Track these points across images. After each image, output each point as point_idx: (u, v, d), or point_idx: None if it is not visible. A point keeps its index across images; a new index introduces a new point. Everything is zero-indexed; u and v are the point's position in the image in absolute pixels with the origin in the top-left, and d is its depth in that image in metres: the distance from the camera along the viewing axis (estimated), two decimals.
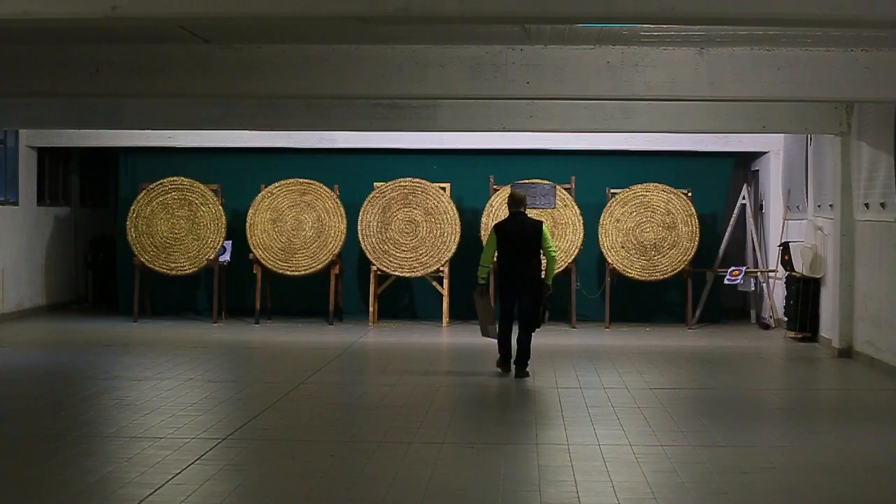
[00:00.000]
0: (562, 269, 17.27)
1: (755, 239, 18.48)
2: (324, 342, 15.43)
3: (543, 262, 12.32)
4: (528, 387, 11.50)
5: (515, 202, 12.36)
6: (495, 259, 12.64)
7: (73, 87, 11.78)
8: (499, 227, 12.33)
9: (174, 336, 16.02)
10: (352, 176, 18.42)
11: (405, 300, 18.75)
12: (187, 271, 17.79)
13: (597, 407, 10.30)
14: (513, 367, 12.27)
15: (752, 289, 18.28)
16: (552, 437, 8.96)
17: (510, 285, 12.21)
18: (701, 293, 17.88)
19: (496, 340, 12.41)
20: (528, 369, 12.21)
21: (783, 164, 17.85)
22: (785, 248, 16.46)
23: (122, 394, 10.88)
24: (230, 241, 18.01)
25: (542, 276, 12.27)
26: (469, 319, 17.97)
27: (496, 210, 17.53)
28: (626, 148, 18.06)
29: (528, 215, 12.56)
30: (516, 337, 12.21)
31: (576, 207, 17.68)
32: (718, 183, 18.53)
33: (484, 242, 13.78)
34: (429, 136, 17.51)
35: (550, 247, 12.26)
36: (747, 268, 18.28)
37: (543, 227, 12.28)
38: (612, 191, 17.83)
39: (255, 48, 11.35)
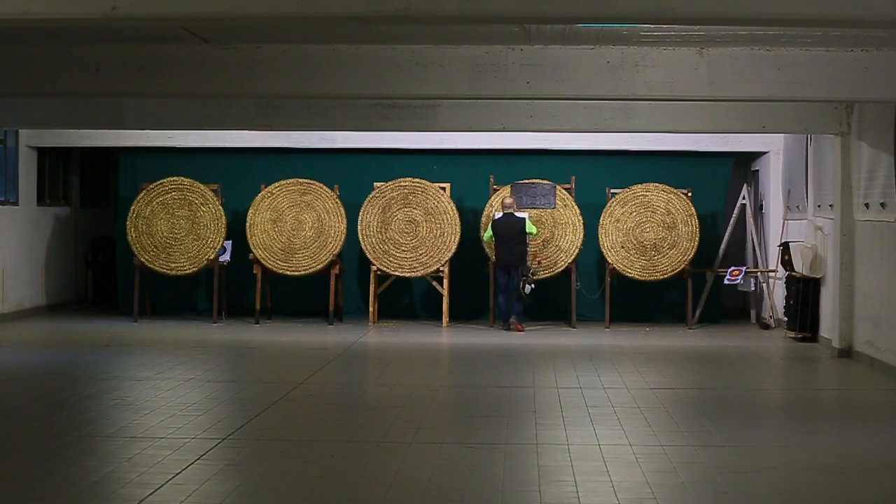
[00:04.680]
0: (562, 268, 17.50)
1: (755, 239, 18.48)
2: (324, 342, 15.43)
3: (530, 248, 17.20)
4: (528, 387, 11.51)
5: (506, 206, 17.11)
6: (492, 245, 17.16)
7: (73, 87, 11.78)
8: (494, 223, 17.12)
9: (174, 336, 16.02)
10: (352, 176, 18.42)
11: (405, 300, 18.75)
12: (187, 271, 17.78)
13: (597, 407, 10.30)
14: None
15: (752, 289, 18.28)
16: (552, 437, 8.96)
17: (502, 266, 16.98)
18: (701, 293, 17.88)
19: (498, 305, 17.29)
20: (512, 320, 16.96)
21: (783, 164, 17.85)
22: (785, 248, 16.46)
23: (122, 394, 10.88)
24: (230, 241, 18.00)
25: (526, 260, 16.94)
26: (470, 319, 18.02)
27: (496, 210, 17.56)
28: (626, 148, 18.06)
29: (517, 215, 17.03)
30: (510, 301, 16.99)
31: (576, 207, 17.68)
32: (718, 183, 18.52)
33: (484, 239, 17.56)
34: (429, 136, 17.51)
35: (531, 230, 17.08)
36: (747, 268, 18.28)
37: (526, 221, 17.01)
38: (612, 191, 17.82)
39: (255, 48, 11.35)
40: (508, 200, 17.11)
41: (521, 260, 16.88)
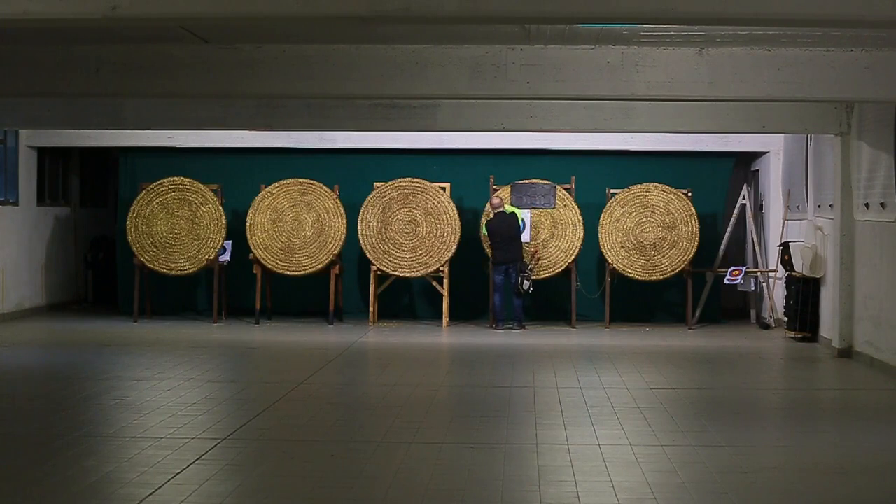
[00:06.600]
0: (540, 265, 17.57)
1: (755, 239, 18.48)
2: (324, 342, 15.43)
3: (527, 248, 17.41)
4: (528, 387, 11.51)
5: (495, 207, 17.25)
6: (489, 246, 17.33)
7: (73, 87, 11.77)
8: (488, 223, 17.28)
9: (174, 336, 16.02)
10: (352, 176, 18.41)
11: (405, 300, 18.75)
12: (187, 271, 17.78)
13: (597, 407, 10.30)
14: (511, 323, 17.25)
15: (752, 289, 18.28)
16: (552, 437, 8.96)
17: (499, 263, 17.05)
18: (701, 293, 17.88)
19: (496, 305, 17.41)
20: (518, 324, 17.11)
21: (783, 164, 17.85)
22: (785, 248, 16.46)
23: (122, 394, 10.88)
24: (230, 241, 18.00)
25: (522, 257, 17.11)
26: (470, 319, 18.02)
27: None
28: (626, 148, 18.06)
29: (507, 212, 17.18)
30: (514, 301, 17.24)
31: (576, 207, 17.68)
32: (718, 183, 18.52)
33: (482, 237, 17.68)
34: (429, 136, 17.51)
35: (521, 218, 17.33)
36: (747, 268, 18.28)
37: (516, 215, 17.19)
38: (612, 191, 17.82)
39: (255, 48, 11.35)
40: (496, 201, 17.24)
41: (518, 257, 17.01)
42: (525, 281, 16.89)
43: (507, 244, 16.93)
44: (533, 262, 17.32)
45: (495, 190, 17.80)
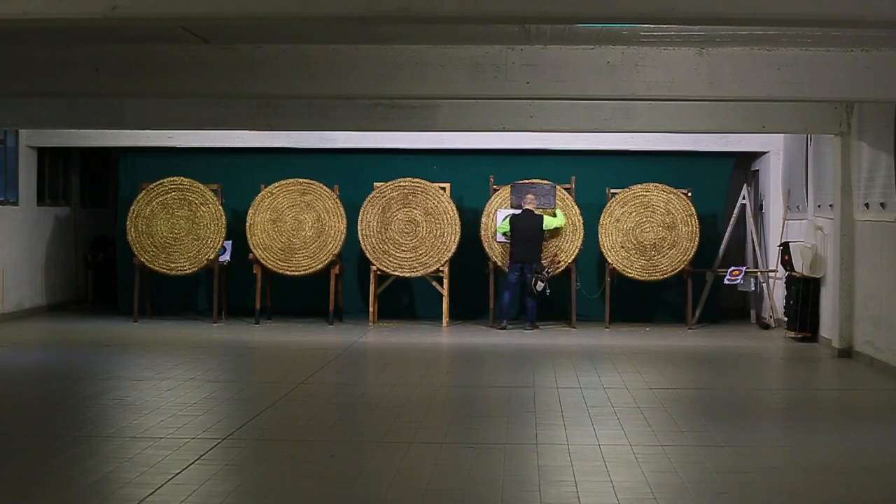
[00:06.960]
0: (562, 267, 17.49)
1: (755, 239, 18.48)
2: (324, 342, 15.43)
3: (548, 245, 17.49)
4: (528, 387, 11.51)
5: (527, 203, 17.26)
6: (509, 242, 17.31)
7: (73, 87, 11.78)
8: (513, 218, 17.25)
9: (174, 336, 16.02)
10: (352, 176, 18.41)
11: (405, 300, 18.75)
12: (187, 271, 17.78)
13: (597, 407, 10.30)
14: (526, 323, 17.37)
15: (752, 289, 18.28)
16: (552, 437, 8.96)
17: (516, 262, 17.11)
18: (701, 293, 17.88)
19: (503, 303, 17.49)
20: (532, 325, 17.15)
21: (783, 164, 17.85)
22: (785, 248, 16.47)
23: (122, 394, 10.88)
24: (230, 241, 18.00)
25: (540, 258, 17.15)
26: (470, 319, 18.02)
27: (496, 210, 17.59)
28: (626, 148, 18.05)
29: (535, 213, 17.19)
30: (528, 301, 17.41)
31: (576, 207, 17.68)
32: (718, 183, 18.52)
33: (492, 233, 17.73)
34: (429, 136, 17.51)
35: (553, 225, 17.32)
36: (747, 268, 18.28)
37: (544, 220, 17.21)
38: (612, 191, 17.83)
39: (255, 48, 11.35)
40: (530, 197, 17.32)
41: (535, 258, 17.09)
42: (539, 282, 16.90)
43: (528, 243, 17.02)
44: (552, 266, 17.29)
45: (496, 190, 17.81)
